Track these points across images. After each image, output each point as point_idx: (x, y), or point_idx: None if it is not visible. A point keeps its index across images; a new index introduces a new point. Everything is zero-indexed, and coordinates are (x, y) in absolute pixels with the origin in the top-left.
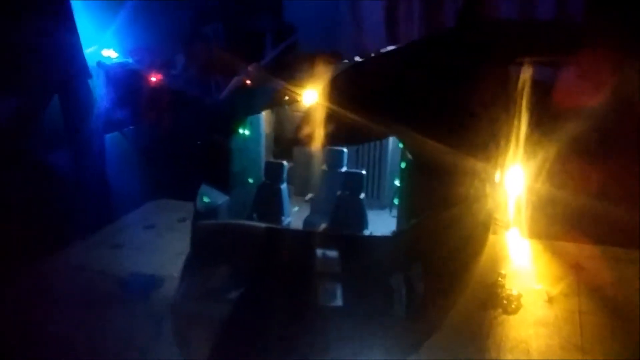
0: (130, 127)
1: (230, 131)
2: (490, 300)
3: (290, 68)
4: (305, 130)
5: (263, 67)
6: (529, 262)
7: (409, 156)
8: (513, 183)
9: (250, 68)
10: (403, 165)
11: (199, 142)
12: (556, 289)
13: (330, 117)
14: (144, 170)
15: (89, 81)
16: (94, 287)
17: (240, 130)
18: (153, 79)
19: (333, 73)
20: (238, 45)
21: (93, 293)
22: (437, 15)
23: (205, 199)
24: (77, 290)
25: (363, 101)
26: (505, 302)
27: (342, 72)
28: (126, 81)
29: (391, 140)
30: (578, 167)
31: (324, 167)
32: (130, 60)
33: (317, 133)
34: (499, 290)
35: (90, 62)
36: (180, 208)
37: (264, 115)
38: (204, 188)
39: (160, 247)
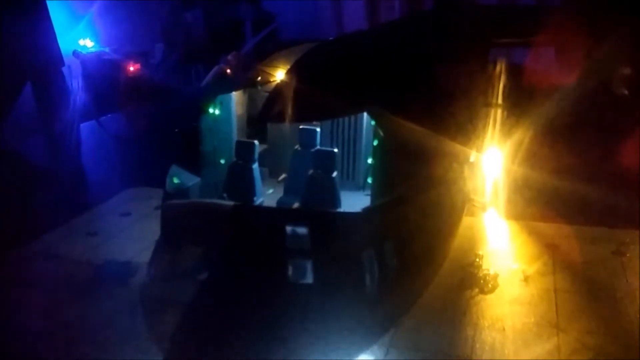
0: (107, 116)
1: (200, 111)
2: (468, 280)
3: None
4: (273, 107)
5: (243, 55)
6: (505, 242)
7: (381, 133)
8: (490, 165)
9: (230, 57)
10: (375, 142)
11: (176, 130)
12: (532, 268)
13: (298, 93)
14: (120, 158)
15: (64, 70)
16: (69, 275)
17: (210, 110)
18: (131, 68)
19: (304, 51)
20: (217, 34)
21: (69, 281)
22: (418, 3)
23: (175, 180)
24: (52, 279)
25: (331, 78)
26: (482, 281)
27: (312, 50)
28: (103, 71)
29: (365, 119)
30: (553, 149)
31: (297, 147)
32: (107, 49)
33: (285, 109)
34: (476, 270)
35: (66, 51)
36: (157, 195)
37: (236, 96)
38: (173, 169)
39: (136, 235)
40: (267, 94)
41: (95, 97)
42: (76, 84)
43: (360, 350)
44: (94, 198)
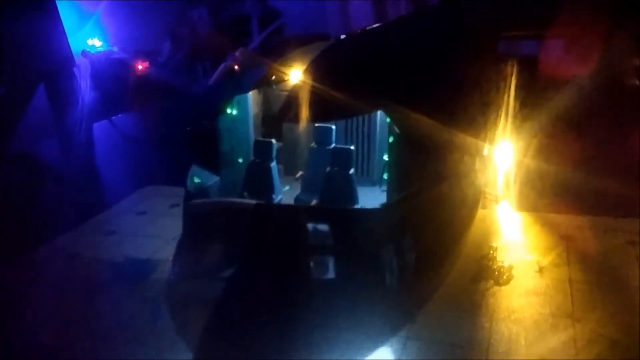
0: (119, 115)
1: (218, 112)
2: (482, 272)
3: (277, 52)
4: (292, 108)
5: (250, 51)
6: (519, 234)
7: (397, 130)
8: (502, 157)
9: (237, 53)
10: (391, 139)
11: (188, 129)
12: (546, 260)
13: (316, 94)
14: (135, 157)
15: (74, 70)
16: (88, 274)
17: (228, 110)
18: (139, 66)
19: (318, 51)
20: (224, 30)
21: (88, 279)
22: None
23: (196, 180)
24: (72, 278)
25: (348, 77)
26: (497, 273)
27: (327, 49)
28: (112, 70)
29: (379, 116)
30: (565, 141)
31: (313, 144)
32: (115, 48)
33: (304, 110)
34: (491, 262)
35: (75, 51)
36: (172, 193)
37: (252, 96)
38: (194, 169)
39: (153, 233)
40: (281, 93)
41: (104, 96)
42: (85, 84)
43: (380, 342)
44: (110, 197)
